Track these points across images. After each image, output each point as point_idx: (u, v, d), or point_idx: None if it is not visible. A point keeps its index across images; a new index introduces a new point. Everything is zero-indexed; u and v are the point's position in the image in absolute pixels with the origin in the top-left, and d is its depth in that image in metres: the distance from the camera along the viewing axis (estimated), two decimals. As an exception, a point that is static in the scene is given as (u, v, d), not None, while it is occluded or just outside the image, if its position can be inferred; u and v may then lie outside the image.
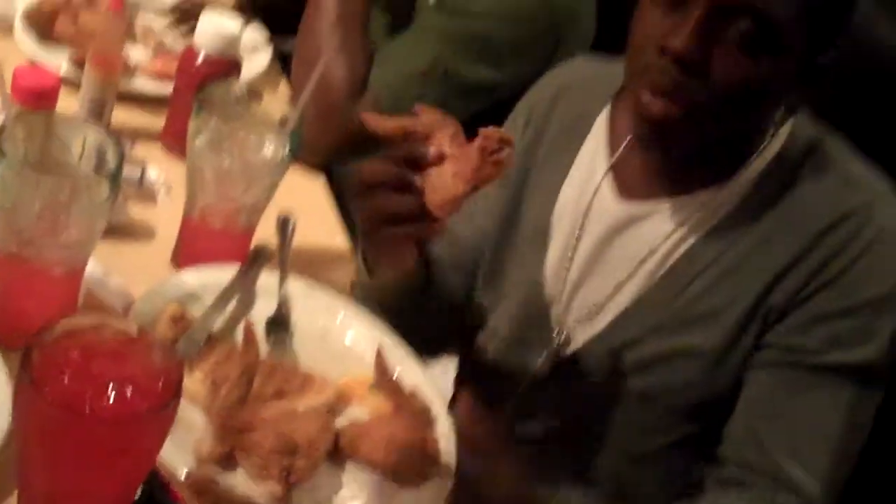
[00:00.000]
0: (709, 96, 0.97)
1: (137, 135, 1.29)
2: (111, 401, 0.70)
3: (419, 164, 0.87)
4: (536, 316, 1.16)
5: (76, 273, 0.95)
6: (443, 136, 0.88)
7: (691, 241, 1.08)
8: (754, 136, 1.07)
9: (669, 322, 1.08)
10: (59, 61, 1.33)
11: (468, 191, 0.85)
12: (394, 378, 0.99)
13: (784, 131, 1.08)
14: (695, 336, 1.07)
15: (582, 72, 1.25)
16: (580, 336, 1.14)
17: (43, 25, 1.37)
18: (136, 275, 1.07)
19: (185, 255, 1.11)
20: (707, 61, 0.96)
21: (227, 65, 1.25)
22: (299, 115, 1.05)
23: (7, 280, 0.93)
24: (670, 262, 1.09)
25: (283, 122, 1.07)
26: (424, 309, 1.13)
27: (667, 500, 1.11)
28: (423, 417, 0.96)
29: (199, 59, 1.24)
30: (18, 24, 1.36)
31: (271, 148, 1.06)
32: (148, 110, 1.36)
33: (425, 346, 1.10)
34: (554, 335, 1.15)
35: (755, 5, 0.94)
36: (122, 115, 1.30)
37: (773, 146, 1.07)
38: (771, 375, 1.05)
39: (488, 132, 0.87)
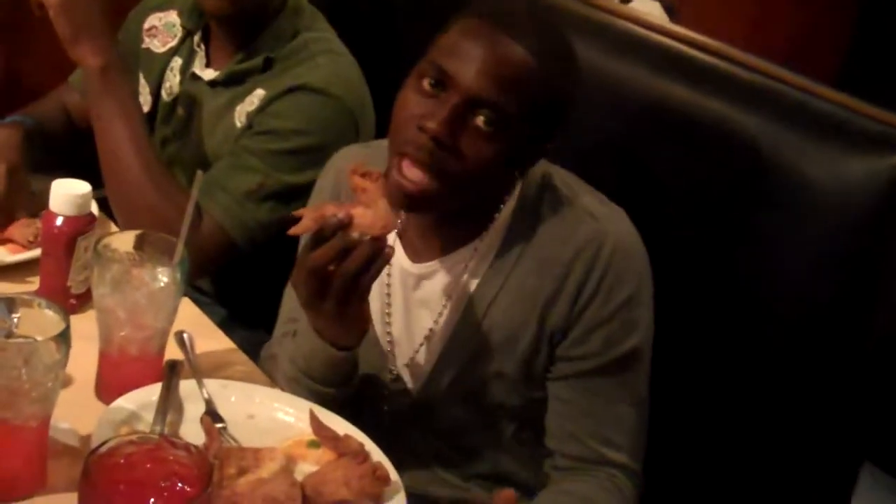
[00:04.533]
0: (459, 169, 1.23)
1: (14, 302, 1.43)
2: (165, 493, 0.89)
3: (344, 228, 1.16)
4: (377, 365, 1.42)
5: (46, 421, 1.10)
6: (341, 204, 1.17)
7: (474, 284, 1.36)
8: (501, 193, 1.35)
9: (478, 353, 1.36)
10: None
11: (388, 208, 1.17)
12: (330, 429, 1.21)
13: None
14: (500, 362, 1.36)
15: (353, 156, 1.48)
16: (416, 378, 1.40)
17: None
18: (74, 415, 1.21)
19: (108, 387, 1.27)
20: (457, 141, 1.23)
21: (85, 221, 1.41)
22: (182, 246, 1.25)
23: (-9, 443, 1.08)
24: (463, 304, 1.37)
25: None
26: (352, 378, 1.34)
27: (534, 478, 1.41)
28: (362, 452, 1.18)
29: (60, 222, 1.40)
30: None
31: (165, 277, 1.25)
32: (12, 279, 1.49)
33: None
34: (389, 378, 1.42)
35: (496, 101, 1.22)
36: (-8, 289, 1.44)
37: (514, 189, 1.36)
38: (569, 384, 1.35)
39: (354, 176, 1.20)
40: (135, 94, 1.59)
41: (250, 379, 1.37)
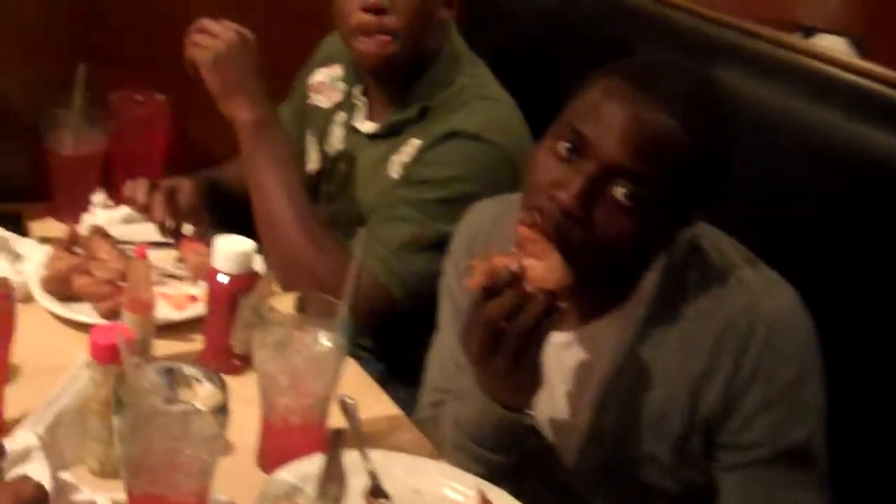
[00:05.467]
0: (588, 243, 1.11)
1: (178, 362, 1.39)
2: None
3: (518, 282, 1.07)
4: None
5: (204, 497, 1.04)
6: (510, 254, 1.09)
7: (617, 359, 1.23)
8: (645, 260, 1.22)
9: (626, 434, 1.24)
10: (85, 315, 1.44)
11: (561, 260, 1.08)
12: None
13: None
14: (651, 444, 1.23)
15: (488, 212, 1.39)
16: (563, 455, 1.29)
17: (61, 288, 1.47)
18: (234, 488, 1.16)
19: (271, 457, 1.21)
20: (590, 215, 1.11)
21: (248, 279, 1.36)
22: (347, 307, 1.18)
23: (146, 519, 1.02)
24: (607, 381, 1.24)
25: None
26: (521, 443, 1.24)
27: None
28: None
29: (223, 279, 1.36)
30: (37, 293, 1.47)
31: (326, 340, 1.18)
32: (177, 337, 1.46)
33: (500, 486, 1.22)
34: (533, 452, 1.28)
35: (638, 172, 1.09)
36: (157, 347, 1.40)
37: (660, 255, 1.22)
38: (739, 476, 1.20)
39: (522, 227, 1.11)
40: (289, 149, 1.55)
41: (416, 448, 1.29)
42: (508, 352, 1.10)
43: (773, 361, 1.17)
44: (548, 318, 1.10)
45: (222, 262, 1.35)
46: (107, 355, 1.13)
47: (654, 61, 1.21)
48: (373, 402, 1.39)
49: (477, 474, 1.22)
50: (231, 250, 1.35)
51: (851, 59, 1.56)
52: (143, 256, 1.32)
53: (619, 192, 1.10)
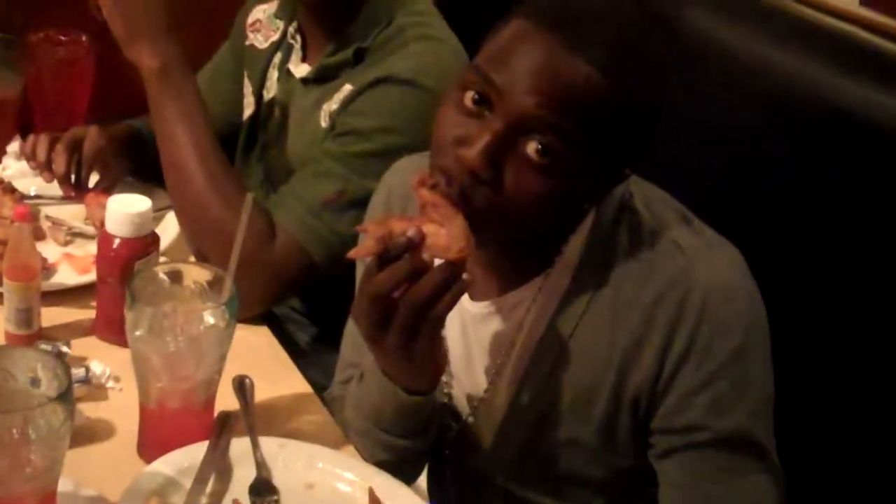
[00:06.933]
0: (499, 206, 0.98)
1: (71, 332, 1.28)
2: None
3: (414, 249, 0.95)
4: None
5: (48, 499, 0.93)
6: (410, 218, 0.97)
7: (540, 329, 1.11)
8: (569, 222, 1.08)
9: (545, 418, 1.12)
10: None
11: (466, 226, 0.95)
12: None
13: None
14: (573, 428, 1.11)
15: (408, 170, 1.24)
16: (486, 438, 1.17)
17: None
18: (107, 477, 1.05)
19: (150, 444, 1.10)
20: (500, 175, 0.97)
21: (145, 243, 1.24)
22: (232, 282, 1.06)
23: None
24: (525, 358, 1.12)
25: (214, 288, 1.08)
26: (430, 426, 1.13)
27: None
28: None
29: (116, 244, 1.23)
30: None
31: (212, 319, 1.06)
32: (75, 303, 1.34)
33: (412, 471, 1.11)
34: (452, 425, 1.20)
35: (555, 123, 0.95)
36: (51, 315, 1.28)
37: (588, 216, 1.09)
38: (678, 463, 1.07)
39: (423, 189, 0.98)
40: (200, 98, 1.40)
41: (321, 434, 1.17)
42: (399, 328, 0.97)
43: (710, 333, 1.03)
44: (447, 292, 0.96)
45: (114, 224, 1.23)
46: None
47: (577, 2, 1.04)
48: (283, 378, 1.28)
49: (384, 461, 1.11)
50: (124, 211, 1.23)
51: (842, 4, 1.40)
52: (24, 218, 1.20)
53: (531, 147, 0.96)
